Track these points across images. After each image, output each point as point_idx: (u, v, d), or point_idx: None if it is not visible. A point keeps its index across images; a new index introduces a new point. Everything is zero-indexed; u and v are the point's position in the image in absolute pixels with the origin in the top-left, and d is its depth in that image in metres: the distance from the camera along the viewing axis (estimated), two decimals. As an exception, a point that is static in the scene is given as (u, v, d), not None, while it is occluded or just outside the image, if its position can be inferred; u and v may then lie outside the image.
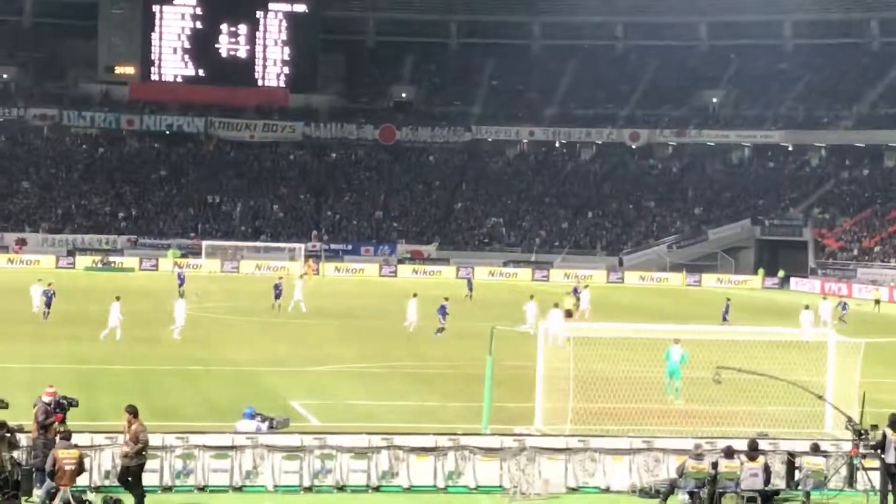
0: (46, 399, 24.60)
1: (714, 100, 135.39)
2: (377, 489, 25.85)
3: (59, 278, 76.38)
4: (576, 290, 69.31)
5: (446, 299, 55.14)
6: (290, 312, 62.62)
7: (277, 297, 64.36)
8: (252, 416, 27.94)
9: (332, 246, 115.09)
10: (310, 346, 48.57)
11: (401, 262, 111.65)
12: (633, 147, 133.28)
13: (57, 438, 23.31)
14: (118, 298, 49.98)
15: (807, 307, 56.45)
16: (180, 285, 70.72)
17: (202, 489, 25.30)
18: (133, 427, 23.72)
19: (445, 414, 34.36)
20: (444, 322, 53.75)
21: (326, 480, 25.73)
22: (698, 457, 25.52)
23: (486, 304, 72.76)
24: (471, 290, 77.84)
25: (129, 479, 23.62)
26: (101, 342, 47.45)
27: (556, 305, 50.96)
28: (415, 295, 56.33)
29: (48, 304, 54.89)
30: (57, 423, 24.07)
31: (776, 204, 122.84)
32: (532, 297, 56.56)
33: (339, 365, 43.99)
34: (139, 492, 23.45)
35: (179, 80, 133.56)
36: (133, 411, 23.94)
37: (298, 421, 31.74)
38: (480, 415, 30.45)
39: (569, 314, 54.95)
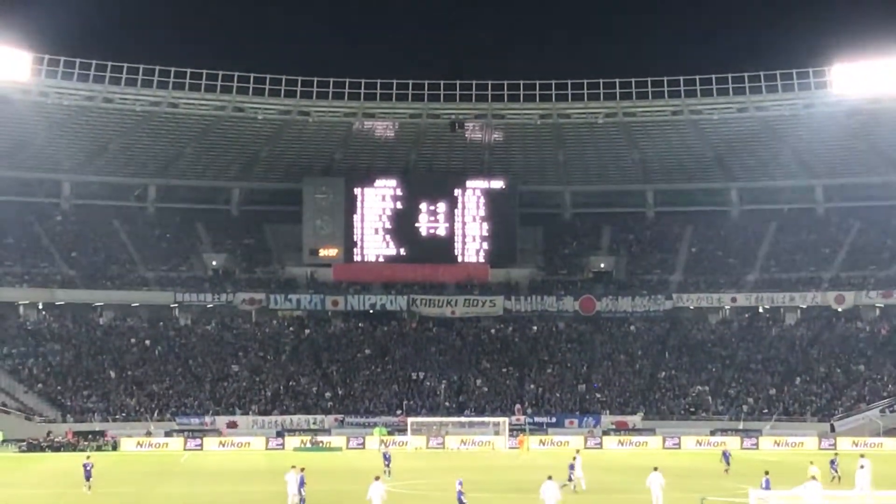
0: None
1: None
2: None
3: (271, 460, 77.71)
4: (833, 463, 67.53)
5: (766, 472, 52.36)
6: (584, 489, 61.23)
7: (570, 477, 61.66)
8: None
9: (536, 419, 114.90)
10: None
11: (606, 433, 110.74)
12: (840, 310, 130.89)
13: None
14: (377, 478, 50.07)
15: None
16: (387, 465, 70.88)
17: None
18: None
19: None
20: None
21: None
22: None
23: (697, 475, 71.56)
24: (728, 463, 72.78)
25: None
26: None
27: (814, 478, 50.01)
28: (655, 469, 54.96)
29: (300, 490, 52.68)
30: None
31: None
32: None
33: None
34: None
35: (381, 259, 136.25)
36: None
37: None
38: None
39: None
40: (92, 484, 60.29)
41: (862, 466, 54.30)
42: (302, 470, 54.19)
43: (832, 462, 67.40)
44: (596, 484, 61.89)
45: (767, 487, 49.31)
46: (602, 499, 57.02)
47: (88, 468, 60.79)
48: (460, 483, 48.79)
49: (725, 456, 73.72)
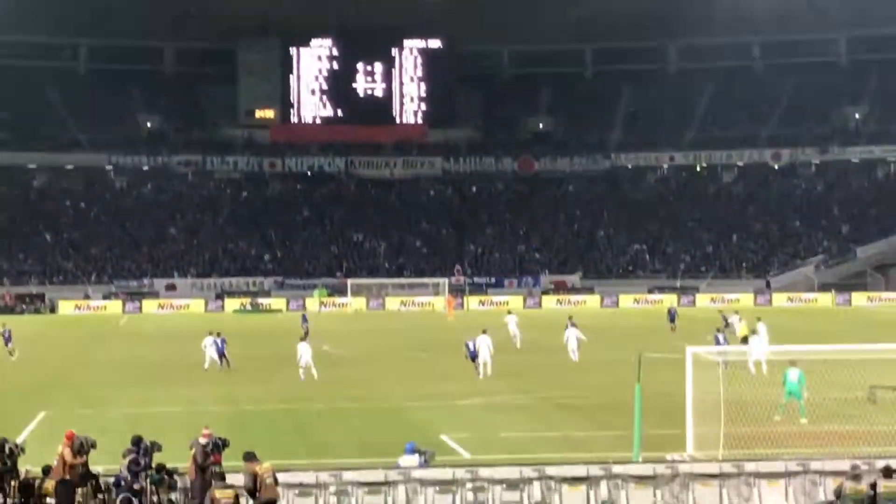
0: (203, 441, 25.02)
1: (857, 115, 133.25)
2: (530, 520, 25.79)
3: (210, 322, 77.61)
4: (725, 319, 67.85)
5: (718, 330, 51.95)
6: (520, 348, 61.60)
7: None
8: (413, 452, 27.87)
9: (476, 279, 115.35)
10: (458, 380, 48.66)
11: (545, 293, 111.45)
12: (776, 167, 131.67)
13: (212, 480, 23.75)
14: (303, 339, 50.64)
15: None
16: (304, 326, 69.02)
17: (357, 525, 25.49)
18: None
19: (596, 443, 34.19)
20: None
21: (480, 513, 25.75)
22: (856, 478, 25.05)
23: (633, 332, 72.27)
24: (673, 321, 71.68)
25: None
26: (298, 382, 48.15)
27: (754, 332, 50.46)
28: (571, 322, 55.83)
29: (221, 354, 53.44)
30: (216, 464, 24.51)
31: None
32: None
33: (487, 397, 44.02)
34: None
35: (318, 121, 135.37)
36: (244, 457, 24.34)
37: (450, 454, 31.82)
38: (631, 443, 30.25)
39: (744, 340, 53.01)
40: (14, 349, 59.52)
41: (759, 318, 54.44)
42: (219, 334, 54.23)
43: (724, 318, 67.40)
44: (531, 343, 62.34)
45: (725, 343, 49.57)
46: (537, 357, 57.44)
47: (6, 336, 59.94)
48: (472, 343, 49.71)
49: (671, 314, 73.67)
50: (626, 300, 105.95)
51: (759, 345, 47.12)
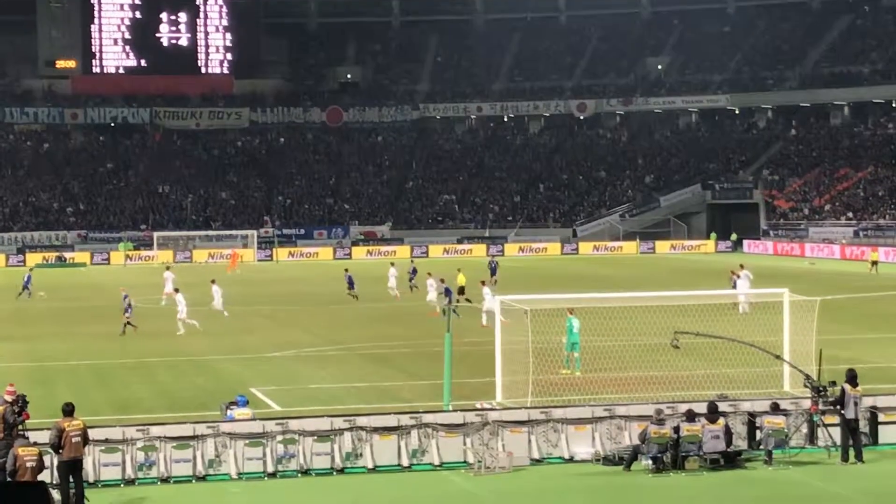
0: (9, 398, 24.38)
1: (659, 66, 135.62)
2: (341, 471, 25.79)
3: (10, 276, 75.91)
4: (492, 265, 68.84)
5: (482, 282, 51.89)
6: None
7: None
8: (246, 404, 27.47)
9: (285, 231, 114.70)
10: (267, 333, 48.37)
11: (355, 243, 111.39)
12: (581, 118, 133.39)
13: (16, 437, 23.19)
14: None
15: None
16: (25, 287, 64.92)
17: (165, 480, 25.16)
18: None
19: (407, 393, 34.34)
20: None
21: (290, 465, 25.67)
22: (660, 422, 25.63)
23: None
24: (494, 273, 68.67)
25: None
26: (104, 337, 47.22)
27: (483, 283, 50.63)
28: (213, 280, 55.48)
29: None
30: (25, 421, 23.95)
31: (725, 167, 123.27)
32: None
33: (297, 350, 43.84)
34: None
35: (122, 71, 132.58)
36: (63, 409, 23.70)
37: (260, 407, 31.61)
38: (441, 392, 30.41)
39: (461, 291, 55.02)
40: None
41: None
42: None
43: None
44: (340, 295, 62.11)
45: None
46: (346, 308, 57.38)
47: None
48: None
49: (492, 266, 72.21)
50: (435, 250, 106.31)
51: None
